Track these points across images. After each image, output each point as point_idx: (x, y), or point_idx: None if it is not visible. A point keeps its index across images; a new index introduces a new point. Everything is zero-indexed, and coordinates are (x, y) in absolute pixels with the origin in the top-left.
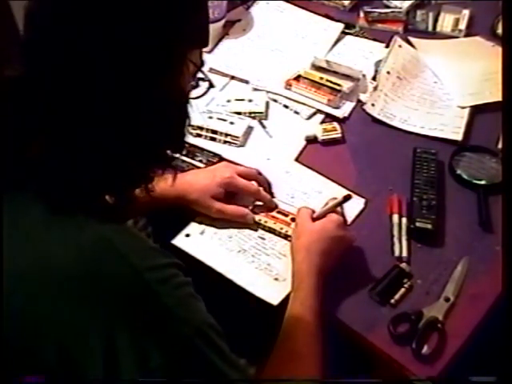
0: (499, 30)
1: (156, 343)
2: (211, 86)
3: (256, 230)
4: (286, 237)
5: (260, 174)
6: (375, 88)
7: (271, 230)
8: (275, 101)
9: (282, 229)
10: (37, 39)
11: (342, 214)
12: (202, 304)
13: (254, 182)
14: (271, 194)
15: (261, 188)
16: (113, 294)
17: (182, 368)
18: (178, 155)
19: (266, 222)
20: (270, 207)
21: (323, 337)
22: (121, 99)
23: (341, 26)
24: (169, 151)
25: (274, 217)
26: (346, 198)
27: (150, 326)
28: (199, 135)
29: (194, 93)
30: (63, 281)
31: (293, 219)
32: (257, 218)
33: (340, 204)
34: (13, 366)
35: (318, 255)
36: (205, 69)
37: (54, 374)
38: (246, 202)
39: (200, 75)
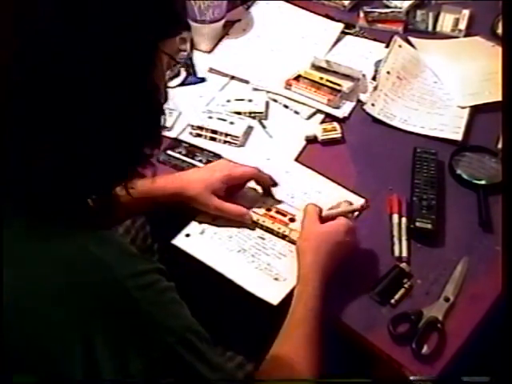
0: (499, 30)
1: (136, 350)
2: (189, 73)
3: (254, 230)
4: (283, 237)
5: (259, 170)
6: (375, 88)
7: (269, 230)
8: (275, 101)
9: (279, 229)
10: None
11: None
12: (186, 309)
13: (253, 183)
14: (274, 183)
15: (258, 169)
16: (93, 301)
17: (164, 375)
18: (155, 152)
19: (264, 221)
20: (270, 189)
21: (323, 341)
22: (91, 99)
23: (341, 25)
24: (147, 148)
25: (272, 217)
26: (363, 207)
27: (130, 333)
28: (199, 135)
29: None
30: (45, 291)
31: (291, 219)
32: (255, 217)
33: (355, 211)
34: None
35: (325, 259)
36: (205, 68)
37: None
38: (246, 202)
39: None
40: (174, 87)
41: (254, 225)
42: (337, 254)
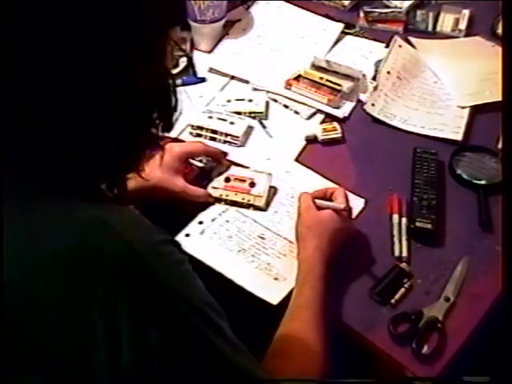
0: (499, 30)
1: (153, 319)
2: (190, 60)
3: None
4: (248, 206)
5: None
6: (375, 88)
7: (234, 203)
8: (275, 101)
9: (243, 199)
10: (22, 17)
11: (349, 207)
12: (200, 283)
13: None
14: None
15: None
16: (110, 270)
17: (181, 346)
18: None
19: (227, 195)
20: (221, 158)
21: (328, 323)
22: (110, 82)
23: (341, 25)
24: (158, 130)
25: (232, 187)
26: (343, 209)
27: (146, 302)
28: (199, 135)
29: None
30: (60, 261)
31: (251, 184)
32: (217, 193)
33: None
34: (14, 360)
35: (327, 244)
36: (205, 68)
37: (56, 366)
38: (217, 183)
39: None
40: (176, 74)
41: (218, 201)
42: (336, 240)
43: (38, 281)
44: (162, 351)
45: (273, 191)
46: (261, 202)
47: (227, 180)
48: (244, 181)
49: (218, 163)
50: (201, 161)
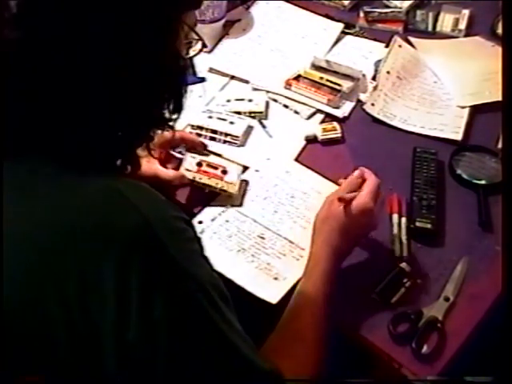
0: (499, 30)
1: (161, 294)
2: (204, 45)
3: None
4: (221, 191)
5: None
6: (375, 88)
7: (208, 186)
8: (275, 101)
9: (217, 184)
10: (31, 3)
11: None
12: (209, 264)
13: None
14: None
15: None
16: (123, 243)
17: (184, 324)
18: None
19: (200, 178)
20: (200, 147)
21: (330, 322)
22: (120, 62)
23: (341, 25)
24: (168, 111)
25: (205, 172)
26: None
27: (156, 277)
28: (199, 135)
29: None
30: (74, 231)
31: (223, 171)
32: (191, 176)
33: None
34: (17, 350)
35: (338, 240)
36: (205, 68)
37: (62, 353)
38: (189, 166)
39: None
40: (190, 58)
41: (192, 183)
42: (351, 235)
43: (51, 248)
44: (167, 328)
45: (244, 184)
46: (234, 190)
47: (199, 164)
48: (216, 168)
49: (195, 152)
50: (180, 152)
